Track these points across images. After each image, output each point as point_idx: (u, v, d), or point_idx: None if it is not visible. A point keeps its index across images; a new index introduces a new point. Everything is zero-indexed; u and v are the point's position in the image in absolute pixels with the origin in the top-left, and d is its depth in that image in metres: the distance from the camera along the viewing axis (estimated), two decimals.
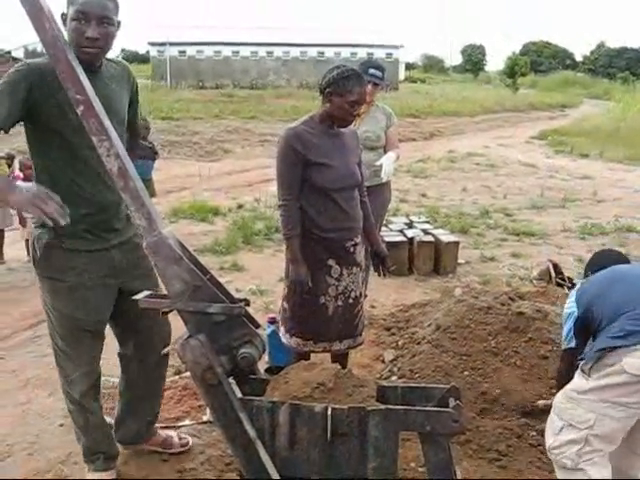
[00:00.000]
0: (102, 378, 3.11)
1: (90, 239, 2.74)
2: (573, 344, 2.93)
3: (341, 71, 3.32)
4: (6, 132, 2.52)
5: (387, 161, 4.81)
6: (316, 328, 3.47)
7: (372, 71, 4.83)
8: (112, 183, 2.68)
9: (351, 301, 3.51)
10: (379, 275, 3.79)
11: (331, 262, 3.42)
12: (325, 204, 3.36)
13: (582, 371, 2.74)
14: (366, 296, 3.76)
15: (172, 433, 3.44)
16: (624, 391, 2.59)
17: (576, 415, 2.68)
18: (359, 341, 3.67)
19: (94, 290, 2.78)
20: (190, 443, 3.43)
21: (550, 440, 2.79)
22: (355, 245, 3.49)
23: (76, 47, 2.52)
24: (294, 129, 3.36)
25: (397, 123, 5.18)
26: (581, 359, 2.84)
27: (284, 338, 3.61)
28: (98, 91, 2.50)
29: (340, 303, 3.46)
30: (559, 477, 2.80)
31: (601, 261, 3.16)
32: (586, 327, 2.86)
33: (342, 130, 3.47)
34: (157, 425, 3.42)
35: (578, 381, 2.75)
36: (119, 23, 2.63)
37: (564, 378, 2.95)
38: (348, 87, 3.26)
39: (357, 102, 3.31)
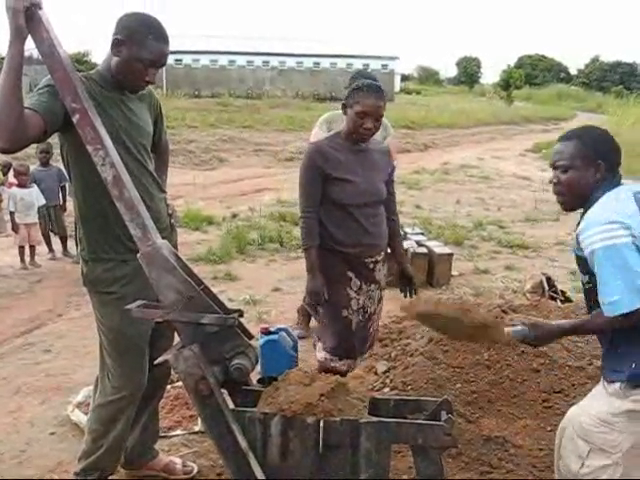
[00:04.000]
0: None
1: (134, 249, 2.60)
2: (637, 302, 2.18)
3: (355, 83, 3.29)
4: (47, 136, 2.51)
5: None
6: (343, 344, 3.45)
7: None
8: (155, 191, 2.79)
9: (367, 317, 3.50)
10: (405, 296, 3.69)
11: (350, 274, 3.40)
12: (344, 219, 3.35)
13: (612, 388, 2.37)
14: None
15: (177, 459, 3.34)
16: None
17: (610, 440, 2.34)
18: (364, 358, 3.67)
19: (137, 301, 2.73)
20: (195, 471, 3.30)
21: (575, 465, 2.45)
22: (375, 263, 3.46)
23: (128, 81, 2.66)
24: (316, 144, 3.41)
25: (394, 134, 5.10)
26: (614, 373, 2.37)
27: (316, 350, 3.63)
28: (127, 108, 2.70)
29: (360, 318, 3.45)
30: None
31: None
32: None
33: (371, 147, 3.44)
34: (159, 449, 3.36)
35: (610, 400, 2.37)
36: None
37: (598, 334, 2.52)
38: (356, 98, 3.24)
39: (366, 114, 3.24)
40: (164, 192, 2.95)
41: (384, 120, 4.93)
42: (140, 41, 2.57)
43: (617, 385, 2.34)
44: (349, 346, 3.46)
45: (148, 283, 2.48)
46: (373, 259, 3.44)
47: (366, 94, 3.23)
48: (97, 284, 2.77)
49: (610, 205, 2.35)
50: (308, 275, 3.37)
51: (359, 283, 3.41)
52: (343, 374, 3.34)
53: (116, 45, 2.60)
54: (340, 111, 4.72)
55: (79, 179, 2.70)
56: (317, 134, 4.72)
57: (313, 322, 4.98)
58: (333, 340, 3.47)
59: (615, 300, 2.21)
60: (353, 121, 3.28)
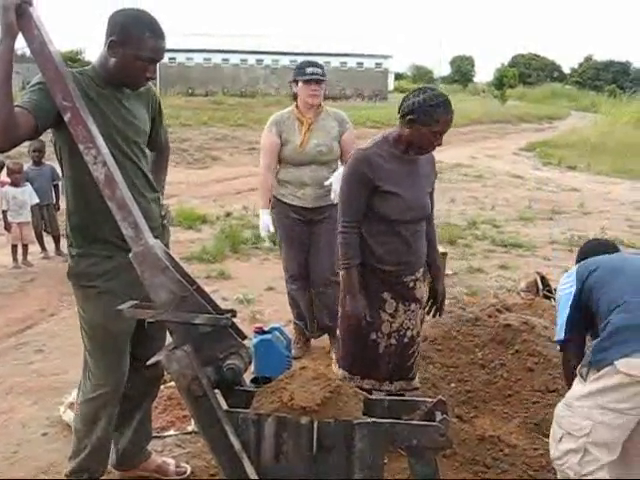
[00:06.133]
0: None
1: (120, 245, 2.62)
2: (565, 335, 2.80)
3: (428, 97, 2.97)
4: (39, 134, 2.51)
5: (337, 179, 4.22)
6: (364, 364, 3.20)
7: (311, 69, 4.39)
8: (147, 191, 2.78)
9: (406, 340, 3.22)
10: (427, 313, 3.45)
11: (386, 295, 3.15)
12: (388, 235, 3.10)
13: (580, 375, 2.67)
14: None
15: (170, 460, 3.32)
16: (618, 396, 2.51)
17: (573, 423, 2.61)
18: (414, 385, 3.35)
19: (122, 298, 2.68)
20: (188, 472, 3.28)
21: (552, 450, 2.74)
22: (416, 280, 3.22)
23: (129, 78, 2.66)
24: (365, 151, 3.10)
25: (352, 128, 4.67)
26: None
27: (334, 367, 3.41)
28: (122, 106, 2.69)
29: (393, 342, 3.19)
30: None
31: (595, 250, 3.06)
32: (584, 309, 2.77)
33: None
34: (152, 449, 3.34)
35: (575, 387, 2.70)
36: None
37: (569, 378, 2.86)
38: (435, 116, 2.94)
39: (442, 132, 3.00)
40: (157, 192, 2.93)
41: (340, 114, 4.67)
42: (137, 40, 2.55)
43: (583, 370, 2.64)
44: (373, 367, 3.21)
45: (134, 280, 2.48)
46: (413, 277, 3.20)
47: (444, 111, 2.96)
48: (80, 278, 2.76)
49: None
50: (347, 296, 3.10)
51: (395, 305, 3.17)
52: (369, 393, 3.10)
53: (112, 47, 2.57)
54: (286, 109, 4.62)
55: (70, 175, 2.69)
56: (268, 137, 4.52)
57: (314, 341, 4.96)
58: (351, 359, 3.24)
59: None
60: (426, 138, 2.99)
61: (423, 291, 3.29)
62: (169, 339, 2.44)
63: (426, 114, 2.94)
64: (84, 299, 2.79)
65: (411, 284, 3.19)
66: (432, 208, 3.31)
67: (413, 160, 3.13)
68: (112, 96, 2.67)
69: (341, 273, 3.16)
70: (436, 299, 3.39)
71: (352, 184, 3.09)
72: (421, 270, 3.24)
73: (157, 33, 2.61)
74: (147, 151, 2.91)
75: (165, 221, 2.98)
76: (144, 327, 2.74)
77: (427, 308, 3.41)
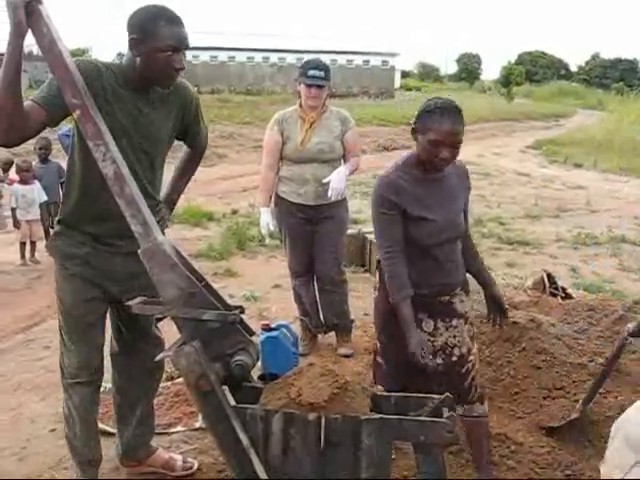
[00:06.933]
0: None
1: (97, 237, 2.78)
2: None
3: (428, 104, 2.79)
4: (51, 126, 2.57)
5: (336, 177, 4.38)
6: (414, 390, 2.76)
7: (312, 72, 4.34)
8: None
9: (455, 359, 2.92)
10: (493, 325, 3.22)
11: (421, 315, 2.91)
12: (419, 257, 2.87)
13: None
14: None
15: (177, 456, 3.33)
16: None
17: None
18: (478, 411, 3.00)
19: (92, 284, 2.80)
20: (195, 467, 3.30)
21: (617, 476, 2.10)
22: (452, 296, 2.97)
23: (157, 74, 2.61)
24: (387, 178, 2.86)
25: (354, 127, 4.67)
26: None
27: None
28: (138, 111, 2.68)
29: (440, 361, 2.91)
30: None
31: None
32: None
33: (447, 169, 2.89)
34: (159, 445, 3.36)
35: None
36: None
37: None
38: (428, 124, 2.73)
39: (442, 143, 2.71)
40: (155, 199, 2.92)
41: (344, 113, 4.64)
42: (153, 32, 2.54)
43: None
44: (423, 392, 2.77)
45: (106, 274, 2.74)
46: (448, 296, 2.96)
47: (440, 118, 2.71)
48: (55, 255, 2.86)
49: None
50: (406, 331, 2.78)
51: (433, 323, 2.93)
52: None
53: (133, 45, 2.57)
54: (291, 108, 4.63)
55: (76, 156, 2.72)
56: (270, 135, 4.54)
57: (321, 338, 4.97)
58: (400, 386, 2.88)
59: None
60: (426, 151, 2.76)
61: (465, 305, 3.00)
62: (172, 339, 2.46)
63: (422, 121, 2.76)
64: (59, 277, 2.86)
65: (446, 298, 2.95)
66: (467, 216, 3.07)
67: (438, 179, 2.88)
68: (130, 98, 2.65)
69: (391, 302, 2.86)
70: (501, 306, 3.13)
71: (382, 212, 2.85)
72: (458, 288, 3.00)
73: (173, 20, 2.57)
74: (158, 160, 2.88)
75: (160, 224, 2.98)
76: (123, 313, 2.88)
77: (492, 320, 3.16)
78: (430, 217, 2.83)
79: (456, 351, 2.93)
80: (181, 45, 2.59)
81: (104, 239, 2.76)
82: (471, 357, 2.97)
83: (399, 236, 2.83)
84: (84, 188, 2.71)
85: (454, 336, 2.93)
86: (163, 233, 2.99)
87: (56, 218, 2.92)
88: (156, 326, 3.09)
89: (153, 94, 2.73)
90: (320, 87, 4.39)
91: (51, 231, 7.61)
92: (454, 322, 2.93)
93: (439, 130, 2.69)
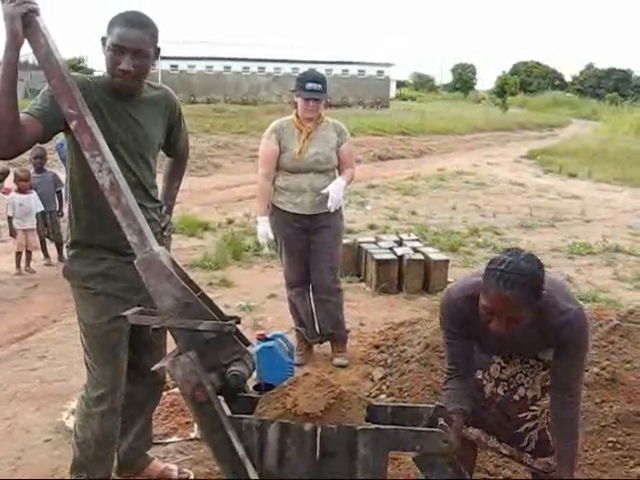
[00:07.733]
0: None
1: (113, 249, 2.72)
2: None
3: (491, 262, 2.37)
4: (46, 139, 2.55)
5: (335, 187, 4.43)
6: (471, 407, 2.60)
7: (310, 85, 4.38)
8: (147, 203, 2.78)
9: (517, 398, 2.67)
10: None
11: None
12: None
13: None
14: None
15: (173, 466, 3.33)
16: None
17: None
18: (536, 466, 2.72)
19: (118, 300, 2.73)
20: (191, 477, 3.29)
21: None
22: None
23: (110, 76, 2.60)
24: (456, 300, 2.58)
25: (350, 139, 4.75)
26: None
27: None
28: (129, 117, 2.67)
29: (500, 392, 2.69)
30: None
31: None
32: None
33: None
34: (154, 456, 3.35)
35: None
36: (158, 50, 2.69)
37: None
38: (484, 286, 2.33)
39: (492, 311, 2.32)
40: (157, 202, 2.94)
41: (340, 125, 4.69)
42: (109, 32, 2.55)
43: None
44: (478, 411, 2.68)
45: (129, 284, 2.61)
46: None
47: (494, 284, 2.29)
48: (74, 278, 2.79)
49: None
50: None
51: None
52: (473, 445, 2.83)
53: (102, 45, 2.60)
54: (287, 117, 4.63)
55: (75, 175, 2.70)
56: (266, 145, 4.54)
57: (316, 348, 4.97)
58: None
59: None
60: (479, 313, 2.39)
61: (549, 354, 2.60)
62: (170, 348, 2.46)
63: (483, 279, 2.38)
64: (79, 299, 2.82)
65: None
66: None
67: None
68: (119, 105, 2.66)
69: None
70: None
71: (449, 335, 2.64)
72: None
73: (128, 22, 2.56)
74: (153, 163, 2.89)
75: (166, 232, 2.99)
76: (142, 335, 2.77)
77: None
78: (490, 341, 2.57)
79: (520, 391, 2.68)
80: (124, 45, 2.53)
81: (122, 249, 2.64)
82: (535, 408, 2.67)
83: (464, 356, 2.63)
84: (90, 203, 2.67)
85: (525, 374, 2.67)
86: (170, 238, 3.00)
87: (65, 243, 2.88)
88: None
89: (140, 100, 2.73)
90: (317, 100, 4.43)
91: (47, 240, 7.65)
92: (531, 362, 2.67)
93: (490, 297, 2.32)
